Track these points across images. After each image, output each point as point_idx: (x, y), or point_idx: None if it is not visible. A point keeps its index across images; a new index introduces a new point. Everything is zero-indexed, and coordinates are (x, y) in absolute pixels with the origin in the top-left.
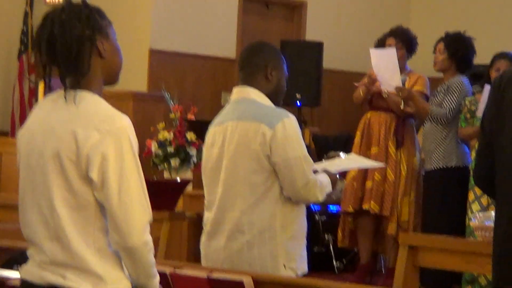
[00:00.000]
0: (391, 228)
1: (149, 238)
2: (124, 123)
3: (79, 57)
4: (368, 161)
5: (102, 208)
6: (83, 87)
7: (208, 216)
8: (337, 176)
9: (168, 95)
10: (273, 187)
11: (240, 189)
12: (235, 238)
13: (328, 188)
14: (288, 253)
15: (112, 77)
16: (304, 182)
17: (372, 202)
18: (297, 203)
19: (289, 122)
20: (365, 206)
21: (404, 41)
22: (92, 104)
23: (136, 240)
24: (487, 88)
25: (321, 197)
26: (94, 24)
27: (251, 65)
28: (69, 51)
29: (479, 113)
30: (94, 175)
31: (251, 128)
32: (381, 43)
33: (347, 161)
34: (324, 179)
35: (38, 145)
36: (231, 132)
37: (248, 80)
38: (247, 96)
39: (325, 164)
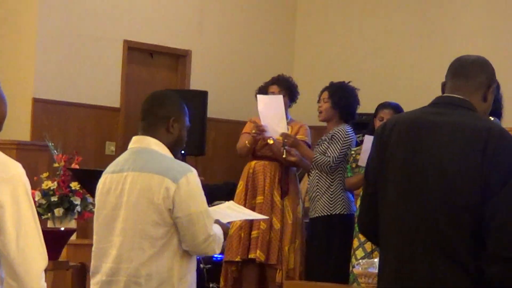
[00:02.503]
0: (279, 277)
1: (45, 285)
2: (18, 170)
3: None
4: (253, 213)
5: None
6: None
7: (97, 265)
8: (228, 226)
9: (51, 144)
10: (172, 241)
11: (139, 241)
12: None
13: (222, 239)
14: None
15: None
16: (205, 236)
17: (258, 251)
18: (191, 255)
19: (193, 176)
20: (252, 255)
21: (286, 89)
22: None
23: (34, 285)
24: (367, 138)
25: (218, 251)
26: None
27: (153, 116)
28: None
29: (360, 161)
30: None
31: (154, 181)
32: (263, 91)
33: (234, 213)
34: (218, 231)
35: None
36: (131, 182)
37: (149, 130)
38: (148, 147)
39: (216, 213)
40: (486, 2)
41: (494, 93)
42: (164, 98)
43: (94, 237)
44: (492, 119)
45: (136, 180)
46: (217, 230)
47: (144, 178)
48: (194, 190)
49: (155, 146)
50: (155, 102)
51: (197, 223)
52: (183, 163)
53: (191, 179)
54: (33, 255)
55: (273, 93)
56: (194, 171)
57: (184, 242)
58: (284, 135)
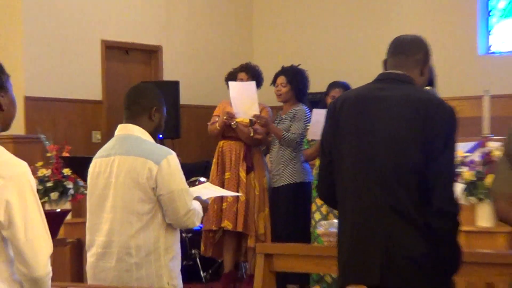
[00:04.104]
0: (251, 241)
1: (50, 269)
2: (23, 169)
3: None
4: (226, 191)
5: (5, 242)
6: None
7: (92, 239)
8: (208, 202)
9: (43, 136)
10: (157, 215)
11: (128, 216)
12: (124, 260)
13: (201, 214)
14: (170, 272)
15: (6, 126)
16: (185, 211)
17: (226, 220)
18: (175, 228)
19: (172, 158)
20: (222, 224)
21: (253, 76)
22: None
23: (42, 272)
24: (314, 111)
25: (197, 223)
26: None
27: (137, 105)
28: None
29: (309, 135)
30: (1, 217)
31: (138, 163)
32: (232, 77)
33: (211, 191)
34: (198, 207)
35: None
36: (119, 165)
37: (133, 118)
38: (132, 133)
39: (196, 191)
40: None
41: (430, 67)
42: (146, 90)
43: (88, 215)
44: (429, 88)
45: (122, 162)
46: (197, 206)
47: (130, 161)
48: (174, 171)
49: (139, 132)
50: (139, 93)
51: (178, 199)
52: (164, 147)
53: (171, 161)
54: (40, 245)
55: (241, 79)
56: (174, 153)
57: (167, 216)
58: (256, 117)
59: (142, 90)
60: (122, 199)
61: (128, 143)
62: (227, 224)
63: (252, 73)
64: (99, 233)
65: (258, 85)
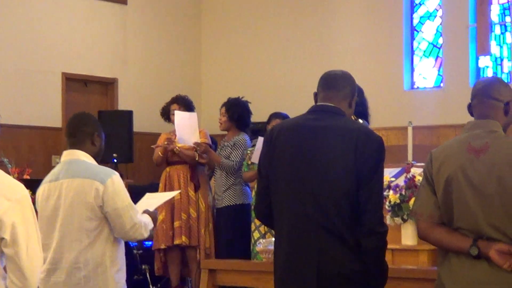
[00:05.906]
0: (202, 255)
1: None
2: (25, 191)
3: None
4: (167, 193)
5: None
6: None
7: (44, 256)
8: (156, 212)
9: (6, 160)
10: (103, 230)
11: (77, 234)
12: (74, 275)
13: (150, 225)
14: (116, 283)
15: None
16: (131, 225)
17: (183, 236)
18: (120, 242)
19: (116, 178)
20: (177, 241)
21: (184, 105)
22: None
23: (34, 285)
24: (260, 139)
25: (146, 234)
26: None
27: (81, 133)
28: None
29: (253, 159)
30: (7, 235)
31: (85, 184)
32: (166, 109)
33: (155, 200)
34: (146, 219)
35: None
36: (66, 187)
37: (78, 144)
38: (78, 158)
39: (142, 205)
40: (360, 27)
41: (356, 100)
42: (88, 118)
43: (40, 234)
44: (361, 121)
45: (70, 185)
46: (145, 219)
47: (77, 183)
48: (118, 189)
49: (83, 156)
50: (81, 122)
51: (123, 215)
52: (107, 168)
53: (115, 180)
54: (37, 262)
55: (174, 109)
56: (117, 173)
57: (115, 231)
58: (196, 144)
59: (84, 119)
60: (71, 218)
61: (75, 167)
62: (184, 240)
63: (183, 103)
64: (49, 251)
65: (191, 112)
